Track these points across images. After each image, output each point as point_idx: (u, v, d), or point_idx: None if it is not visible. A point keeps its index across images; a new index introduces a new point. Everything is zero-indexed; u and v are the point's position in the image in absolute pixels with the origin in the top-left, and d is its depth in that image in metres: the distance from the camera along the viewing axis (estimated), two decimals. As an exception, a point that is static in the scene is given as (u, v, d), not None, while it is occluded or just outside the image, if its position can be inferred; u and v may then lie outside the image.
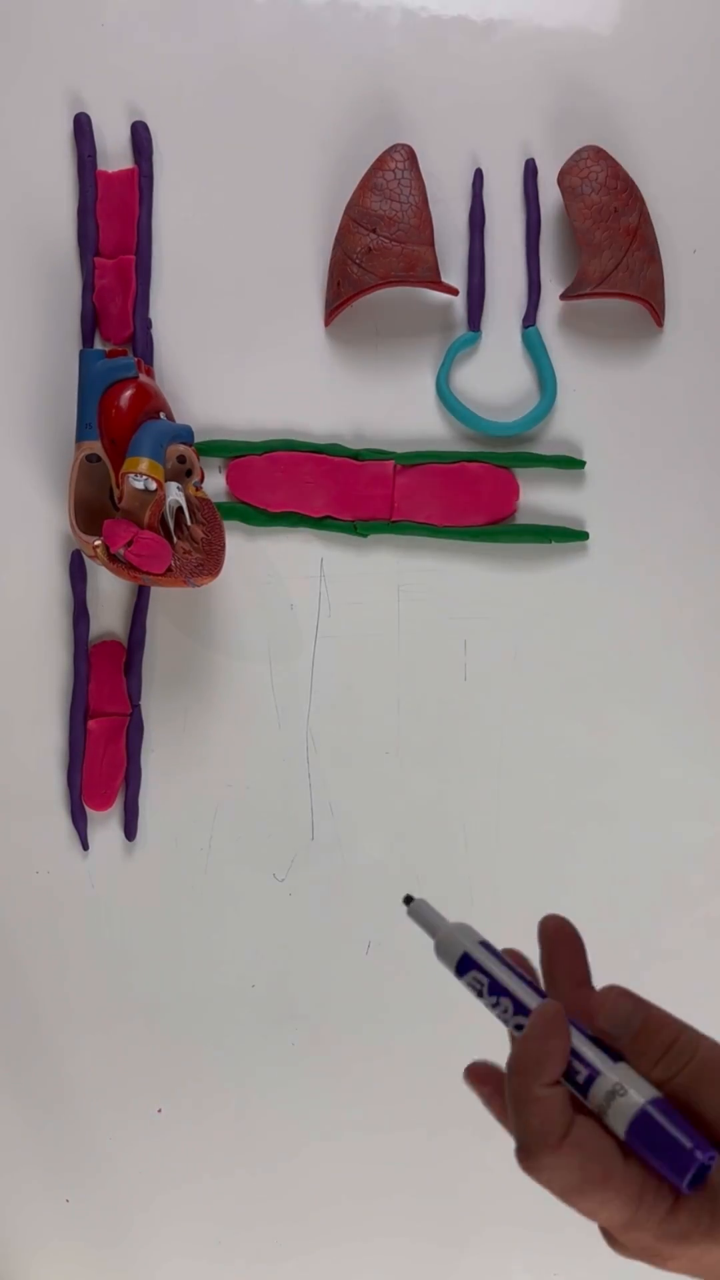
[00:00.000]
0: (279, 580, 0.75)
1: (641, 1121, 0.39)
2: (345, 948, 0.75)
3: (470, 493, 0.74)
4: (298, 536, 0.75)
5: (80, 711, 0.74)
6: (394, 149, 0.72)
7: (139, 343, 0.74)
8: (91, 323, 0.74)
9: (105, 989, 0.75)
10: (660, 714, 0.75)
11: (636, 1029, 0.41)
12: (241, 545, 0.75)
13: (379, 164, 0.72)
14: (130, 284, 0.74)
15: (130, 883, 0.75)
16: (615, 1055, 0.41)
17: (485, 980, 0.45)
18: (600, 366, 0.75)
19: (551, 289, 0.75)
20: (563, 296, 0.74)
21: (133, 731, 0.74)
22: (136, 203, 0.74)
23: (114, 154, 0.75)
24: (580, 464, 0.75)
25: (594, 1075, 0.40)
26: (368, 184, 0.72)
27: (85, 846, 0.75)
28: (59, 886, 0.75)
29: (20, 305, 0.74)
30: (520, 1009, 0.43)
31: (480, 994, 0.45)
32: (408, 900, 0.48)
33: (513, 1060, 0.42)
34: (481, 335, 0.75)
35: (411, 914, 0.48)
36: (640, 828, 0.75)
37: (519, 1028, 0.43)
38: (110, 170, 0.74)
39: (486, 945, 0.46)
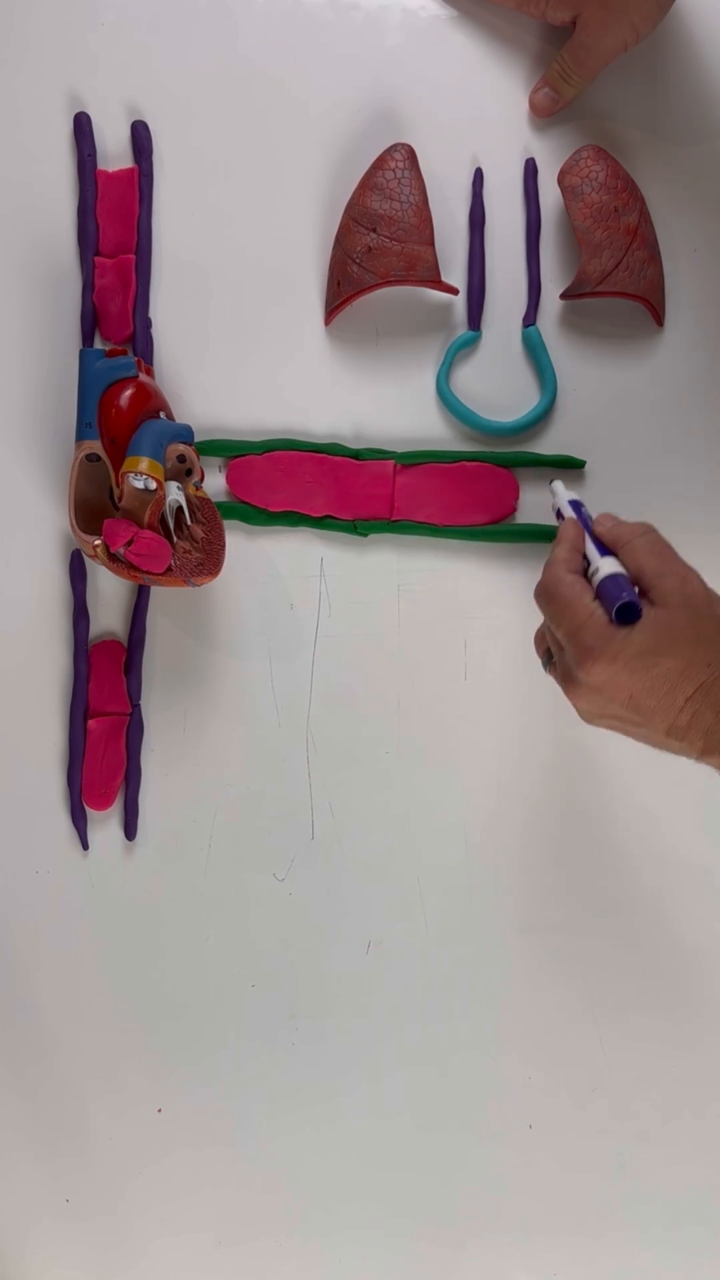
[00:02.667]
0: (279, 580, 0.75)
1: (603, 583, 0.60)
2: (345, 947, 0.75)
3: (470, 492, 0.74)
4: (298, 536, 0.75)
5: (80, 711, 0.74)
6: (394, 148, 0.73)
7: (139, 342, 0.74)
8: (91, 322, 0.74)
9: (105, 989, 0.75)
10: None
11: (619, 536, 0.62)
12: (241, 545, 0.75)
13: (379, 163, 0.72)
14: (130, 283, 0.74)
15: (130, 883, 0.75)
16: (607, 551, 0.62)
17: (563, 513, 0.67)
18: (600, 366, 0.75)
19: (551, 288, 0.75)
20: (563, 296, 0.74)
21: (133, 731, 0.74)
22: (136, 202, 0.74)
23: (114, 153, 0.75)
24: (580, 464, 0.75)
25: (588, 565, 0.62)
26: (368, 183, 0.72)
27: (85, 846, 0.75)
28: (59, 886, 0.75)
29: (20, 304, 0.74)
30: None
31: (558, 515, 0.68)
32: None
33: (551, 554, 0.64)
34: (481, 335, 0.75)
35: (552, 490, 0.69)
36: (640, 827, 0.75)
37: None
38: (110, 170, 0.74)
39: (575, 503, 0.67)
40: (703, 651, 0.58)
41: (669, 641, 0.58)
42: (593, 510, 0.66)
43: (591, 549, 0.63)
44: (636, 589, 0.60)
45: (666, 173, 0.75)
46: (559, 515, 0.67)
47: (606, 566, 0.61)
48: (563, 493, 0.68)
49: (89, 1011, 0.75)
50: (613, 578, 0.60)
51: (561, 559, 0.63)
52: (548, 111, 0.74)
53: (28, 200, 0.75)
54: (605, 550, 0.62)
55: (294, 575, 0.75)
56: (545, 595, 0.62)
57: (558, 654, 0.63)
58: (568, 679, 0.61)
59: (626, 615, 0.58)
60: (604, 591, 0.60)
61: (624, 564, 0.61)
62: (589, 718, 0.62)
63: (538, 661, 0.67)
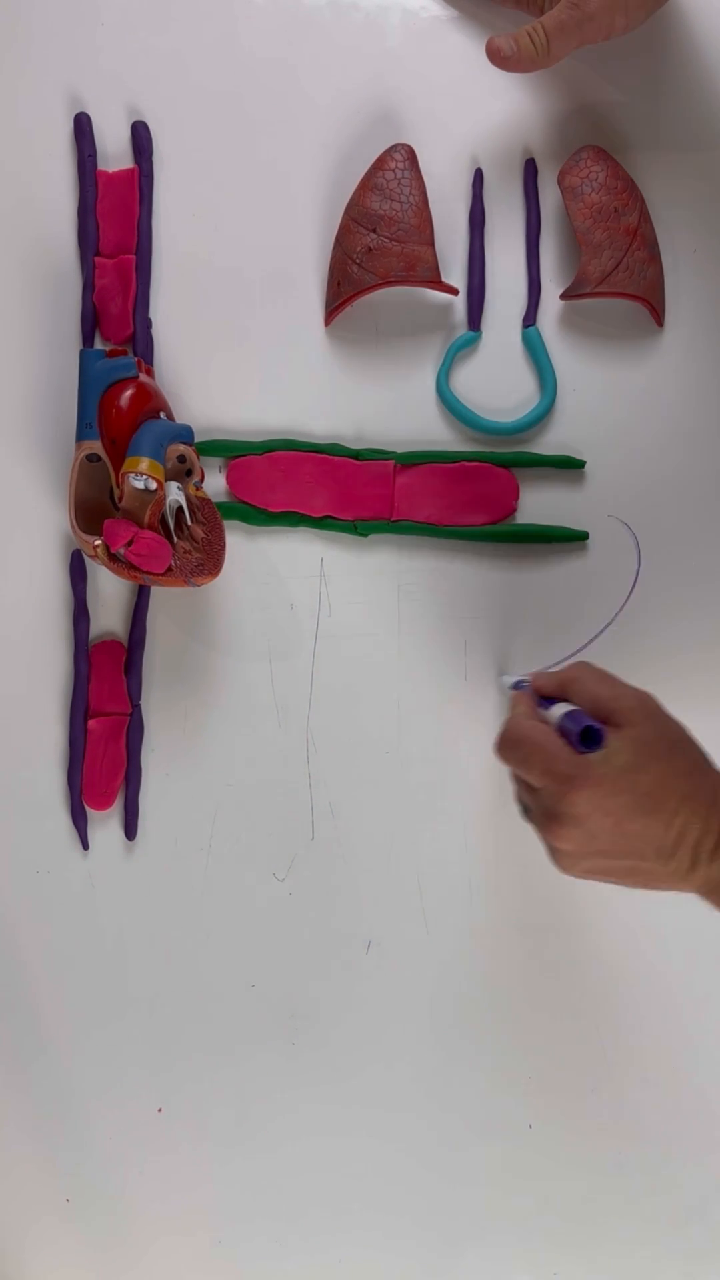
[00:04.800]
0: (279, 580, 0.75)
1: (561, 721, 0.60)
2: (345, 948, 0.75)
3: (470, 492, 0.74)
4: (298, 536, 0.75)
5: (80, 711, 0.74)
6: (394, 149, 0.73)
7: (139, 342, 0.74)
8: (92, 322, 0.74)
9: (105, 989, 0.75)
10: (660, 714, 0.75)
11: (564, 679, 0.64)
12: (241, 545, 0.75)
13: (379, 164, 0.72)
14: (130, 284, 0.74)
15: (130, 883, 0.75)
16: (553, 701, 0.63)
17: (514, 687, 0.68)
18: (600, 366, 0.75)
19: (551, 289, 0.75)
20: (563, 296, 0.74)
21: (133, 731, 0.74)
22: (136, 202, 0.74)
23: (114, 154, 0.75)
24: (580, 464, 0.75)
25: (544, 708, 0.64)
26: (368, 184, 0.72)
27: (85, 846, 0.75)
28: (59, 886, 0.75)
29: (20, 305, 0.75)
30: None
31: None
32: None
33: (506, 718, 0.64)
34: (481, 335, 0.75)
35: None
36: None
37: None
38: (110, 170, 0.74)
39: (519, 682, 0.68)
40: (678, 761, 0.58)
41: (645, 756, 0.57)
42: None
43: (541, 710, 0.63)
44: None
45: (667, 173, 0.75)
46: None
47: (560, 708, 0.61)
48: (508, 680, 0.71)
49: (89, 1011, 0.75)
50: (569, 714, 0.60)
51: (519, 713, 0.63)
52: (501, 58, 0.69)
53: (28, 200, 0.75)
54: (550, 700, 0.63)
55: (294, 575, 0.75)
56: (511, 743, 0.61)
57: (532, 801, 0.61)
58: (549, 818, 0.59)
59: (591, 742, 0.59)
60: (565, 729, 0.60)
61: (576, 702, 0.61)
62: (573, 862, 0.60)
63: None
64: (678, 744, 0.59)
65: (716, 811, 0.58)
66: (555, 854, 0.60)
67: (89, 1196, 0.75)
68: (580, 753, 0.58)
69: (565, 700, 0.62)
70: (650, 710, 0.60)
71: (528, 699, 0.64)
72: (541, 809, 0.59)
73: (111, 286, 0.74)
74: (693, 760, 0.59)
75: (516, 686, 0.68)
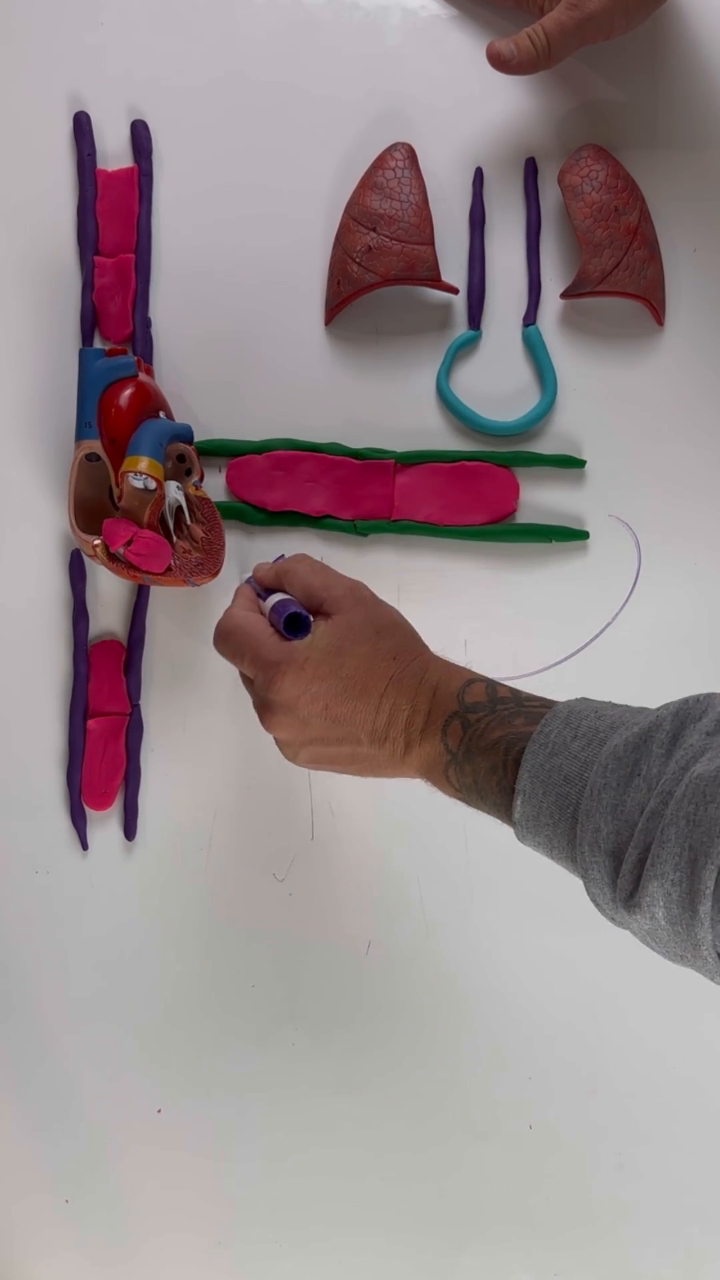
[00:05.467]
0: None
1: (271, 611, 0.61)
2: (345, 948, 0.75)
3: (470, 492, 0.74)
4: (297, 536, 0.75)
5: (80, 711, 0.74)
6: (394, 148, 0.72)
7: (138, 341, 0.74)
8: (91, 321, 0.74)
9: (105, 989, 0.75)
10: (661, 713, 0.75)
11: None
12: (241, 544, 0.75)
13: (379, 163, 0.72)
14: (130, 283, 0.74)
15: (130, 883, 0.75)
16: (270, 592, 0.64)
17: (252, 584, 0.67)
18: (601, 365, 0.75)
19: (552, 288, 0.75)
20: (563, 295, 0.74)
21: (132, 731, 0.74)
22: (136, 201, 0.74)
23: (114, 153, 0.75)
24: (580, 463, 0.75)
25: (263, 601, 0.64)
26: (368, 183, 0.72)
27: (85, 846, 0.75)
28: (59, 886, 0.75)
29: (20, 304, 0.74)
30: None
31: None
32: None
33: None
34: (482, 334, 0.75)
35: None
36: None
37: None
38: (110, 169, 0.74)
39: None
40: (384, 643, 0.59)
41: (349, 640, 0.59)
42: None
43: (258, 600, 0.64)
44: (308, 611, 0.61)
45: (667, 172, 0.75)
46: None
47: (273, 598, 0.63)
48: (245, 576, 0.70)
49: (89, 1011, 0.75)
50: (279, 603, 0.61)
51: (236, 605, 0.64)
52: (501, 61, 0.69)
53: (27, 200, 0.74)
54: (270, 592, 0.64)
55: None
56: (223, 634, 0.62)
57: (250, 690, 0.62)
58: (262, 708, 0.60)
59: (297, 629, 0.60)
60: (274, 617, 0.61)
61: (291, 593, 0.62)
62: (294, 751, 0.61)
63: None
64: (385, 628, 0.60)
65: (424, 691, 0.58)
66: (278, 744, 0.61)
67: (89, 1196, 0.75)
68: (286, 639, 0.59)
69: (281, 591, 0.63)
70: (360, 597, 0.61)
71: (247, 592, 0.65)
72: (256, 699, 0.60)
73: (111, 286, 0.74)
74: (400, 642, 0.60)
75: (247, 583, 0.68)
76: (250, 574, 0.68)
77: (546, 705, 0.57)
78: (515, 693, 0.58)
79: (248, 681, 0.63)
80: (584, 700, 0.56)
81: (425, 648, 0.62)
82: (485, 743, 0.56)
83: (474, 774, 0.57)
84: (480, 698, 0.57)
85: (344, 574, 0.63)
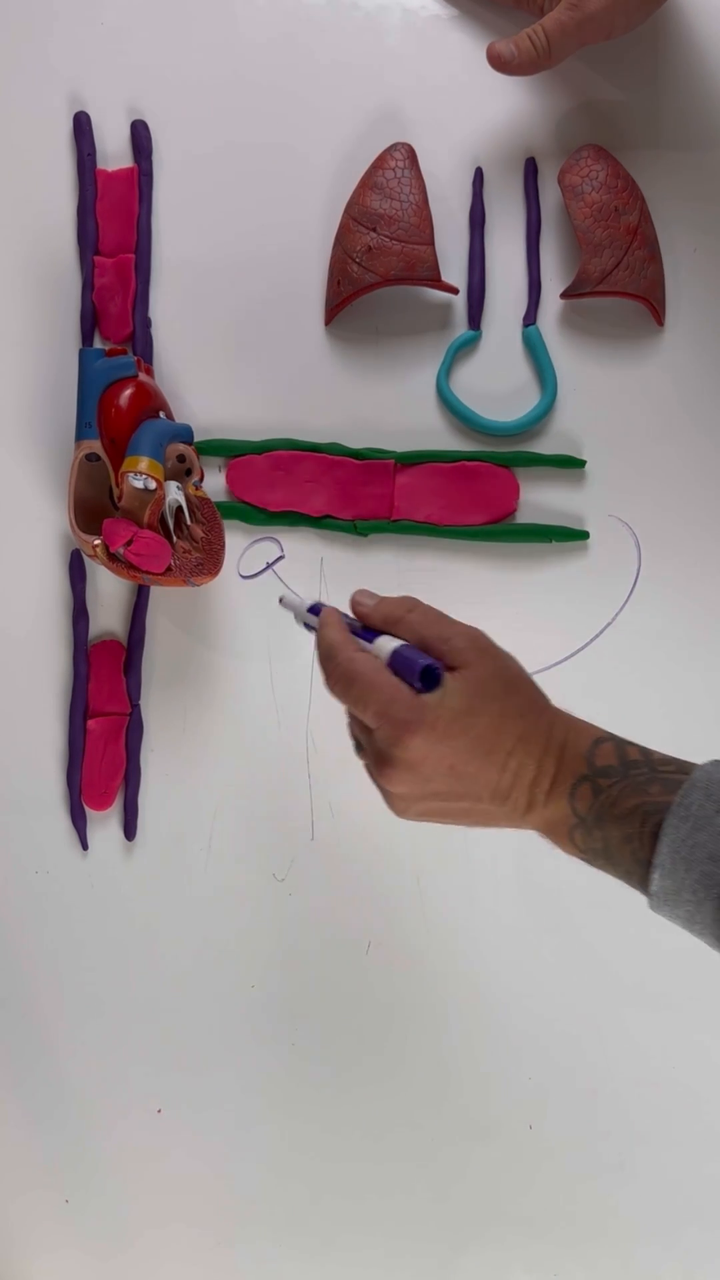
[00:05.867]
0: (279, 580, 0.75)
1: (394, 657, 0.56)
2: (345, 948, 0.75)
3: (470, 492, 0.74)
4: (298, 536, 0.75)
5: (80, 711, 0.74)
6: (394, 148, 0.72)
7: (138, 341, 0.74)
8: (91, 321, 0.74)
9: (105, 989, 0.75)
10: (661, 712, 0.75)
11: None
12: (241, 545, 0.75)
13: (379, 163, 0.72)
14: (130, 283, 0.74)
15: (130, 883, 0.75)
16: (378, 633, 0.59)
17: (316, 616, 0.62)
18: (601, 365, 0.75)
19: (552, 287, 0.75)
20: (563, 295, 0.74)
21: (132, 731, 0.74)
22: (136, 201, 0.74)
23: (114, 153, 0.75)
24: (581, 463, 0.75)
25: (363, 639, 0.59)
26: (368, 183, 0.72)
27: (85, 846, 0.75)
28: (59, 886, 0.75)
29: (20, 304, 0.74)
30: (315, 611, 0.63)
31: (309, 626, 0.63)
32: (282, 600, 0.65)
33: (323, 643, 0.59)
34: (482, 334, 0.75)
35: (283, 604, 0.65)
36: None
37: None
38: (110, 169, 0.74)
39: (316, 606, 0.63)
40: (513, 701, 0.56)
41: (480, 698, 0.55)
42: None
43: (358, 639, 0.59)
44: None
45: (667, 172, 0.75)
46: (307, 626, 0.64)
47: (388, 643, 0.57)
48: (297, 600, 0.65)
49: (89, 1012, 0.75)
50: (403, 649, 0.56)
51: (340, 642, 0.58)
52: (502, 63, 0.69)
53: (27, 199, 0.74)
54: (374, 633, 0.59)
55: (294, 575, 0.75)
56: (344, 680, 0.57)
57: (366, 739, 0.58)
58: (382, 762, 0.56)
59: (428, 681, 0.56)
60: (399, 665, 0.56)
61: (404, 638, 0.57)
62: (406, 804, 0.57)
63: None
64: (512, 683, 0.57)
65: (551, 751, 0.56)
66: (388, 797, 0.58)
67: (89, 1196, 0.75)
68: (418, 691, 0.55)
69: (388, 633, 0.58)
70: (482, 648, 0.57)
71: (338, 621, 0.60)
72: (375, 751, 0.56)
73: (111, 285, 0.74)
74: (527, 699, 0.57)
75: (314, 610, 0.63)
76: (318, 601, 0.63)
77: (682, 770, 0.54)
78: (646, 754, 0.56)
79: (362, 729, 0.58)
80: None
81: (548, 701, 0.59)
82: (618, 811, 0.54)
83: (604, 840, 0.55)
84: (611, 760, 0.55)
85: (458, 621, 0.58)
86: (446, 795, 0.56)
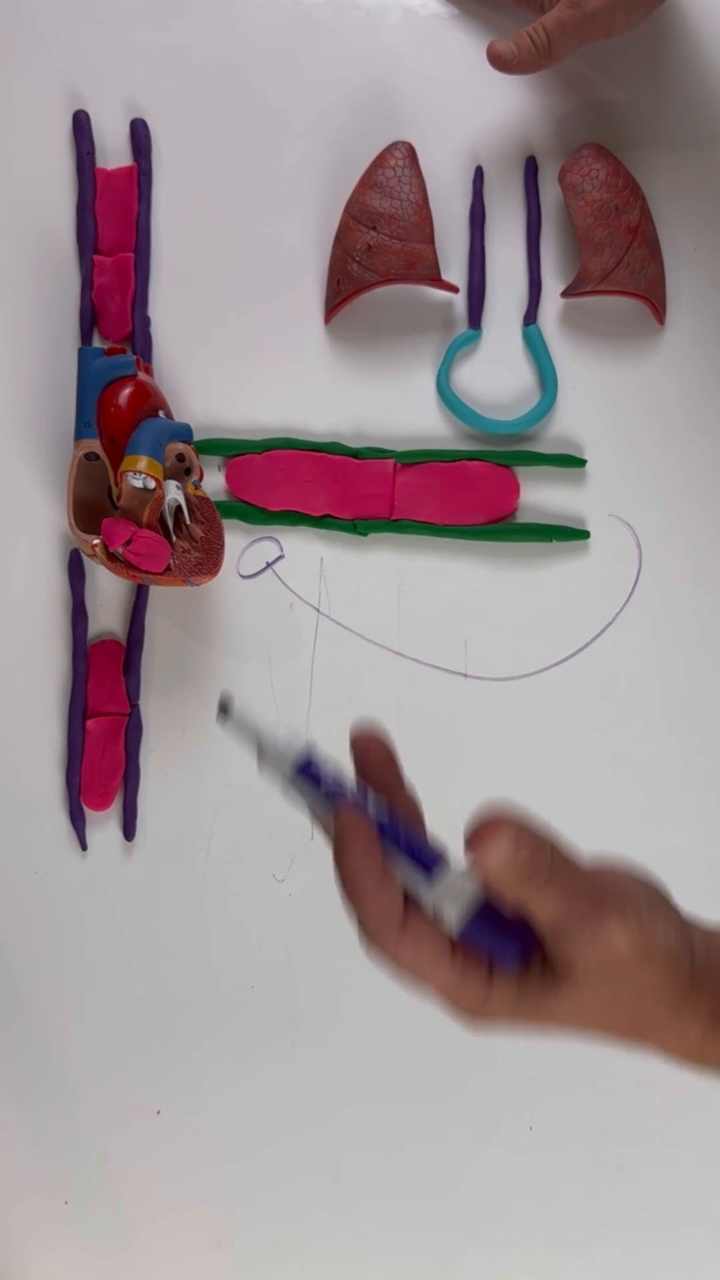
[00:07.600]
0: (278, 580, 0.75)
1: (470, 931, 0.41)
2: (345, 948, 0.75)
3: (470, 491, 0.74)
4: (297, 535, 0.75)
5: (79, 711, 0.74)
6: (394, 146, 0.72)
7: (138, 340, 0.74)
8: (90, 320, 0.74)
9: (105, 989, 0.75)
10: (661, 712, 0.75)
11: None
12: (241, 544, 0.75)
13: (379, 161, 0.72)
14: (129, 282, 0.74)
15: (130, 883, 0.75)
16: (431, 858, 0.42)
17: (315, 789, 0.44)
18: (601, 364, 0.75)
19: (552, 287, 0.75)
20: (564, 294, 0.74)
21: (132, 731, 0.74)
22: (135, 200, 0.74)
23: (113, 151, 0.75)
24: (581, 463, 0.75)
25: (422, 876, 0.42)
26: (368, 181, 0.72)
27: (84, 847, 0.74)
28: (58, 886, 0.74)
29: (19, 303, 0.74)
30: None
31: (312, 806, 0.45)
32: (223, 709, 0.45)
33: (343, 863, 0.45)
34: (482, 333, 0.75)
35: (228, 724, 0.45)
36: (641, 826, 0.75)
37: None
38: (109, 168, 0.74)
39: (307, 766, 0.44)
40: (651, 977, 0.44)
41: (583, 1019, 0.45)
42: None
43: (403, 862, 0.42)
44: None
45: (668, 171, 0.75)
46: (328, 789, 0.45)
47: (454, 894, 0.41)
48: (281, 745, 0.45)
49: (88, 1012, 0.75)
50: (479, 923, 0.42)
51: (385, 901, 0.44)
52: (502, 61, 0.69)
53: (26, 198, 0.74)
54: (429, 858, 0.42)
55: (294, 575, 0.75)
56: (405, 961, 0.45)
57: (445, 1003, 0.47)
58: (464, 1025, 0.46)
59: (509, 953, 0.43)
60: (473, 939, 0.42)
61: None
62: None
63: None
64: (629, 1002, 0.44)
65: (696, 1018, 0.45)
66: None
67: (89, 1197, 0.75)
68: (490, 979, 0.43)
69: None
70: (603, 962, 0.43)
71: (368, 835, 0.43)
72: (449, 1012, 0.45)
73: (110, 284, 0.74)
74: (672, 964, 0.44)
75: (307, 770, 0.44)
76: (312, 757, 0.45)
77: None
78: None
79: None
80: None
81: (692, 944, 0.46)
82: None
83: None
84: None
85: (604, 897, 0.44)
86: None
